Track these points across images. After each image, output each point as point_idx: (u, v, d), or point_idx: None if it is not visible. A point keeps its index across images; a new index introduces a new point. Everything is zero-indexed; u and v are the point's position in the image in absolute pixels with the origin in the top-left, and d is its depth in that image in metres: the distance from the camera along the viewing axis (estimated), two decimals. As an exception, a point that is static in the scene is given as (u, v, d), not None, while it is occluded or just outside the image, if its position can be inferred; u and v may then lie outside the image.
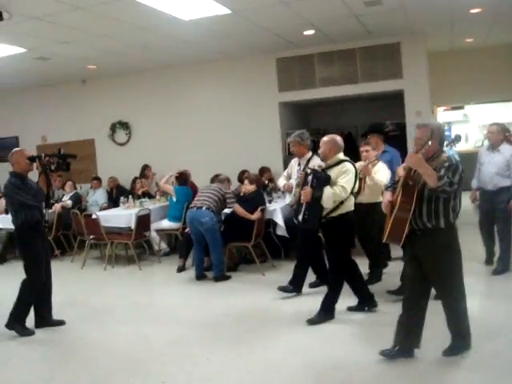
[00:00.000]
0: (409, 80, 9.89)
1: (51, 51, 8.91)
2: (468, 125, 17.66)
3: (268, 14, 7.66)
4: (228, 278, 7.31)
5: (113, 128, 12.07)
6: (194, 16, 7.38)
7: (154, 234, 8.96)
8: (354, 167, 5.26)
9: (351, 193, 5.22)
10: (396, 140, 10.86)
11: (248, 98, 10.86)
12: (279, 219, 7.80)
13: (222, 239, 7.36)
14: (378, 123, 11.09)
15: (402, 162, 6.94)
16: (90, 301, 6.86)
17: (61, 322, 5.78)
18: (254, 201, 7.56)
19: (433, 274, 4.13)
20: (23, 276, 5.74)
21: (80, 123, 12.32)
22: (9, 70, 10.23)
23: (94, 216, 8.78)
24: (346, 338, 4.94)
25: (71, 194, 10.22)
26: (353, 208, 5.35)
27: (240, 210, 7.42)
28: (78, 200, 10.21)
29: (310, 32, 8.99)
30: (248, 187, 7.93)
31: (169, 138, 11.44)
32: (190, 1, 6.67)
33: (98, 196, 10.61)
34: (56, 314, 5.89)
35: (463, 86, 12.03)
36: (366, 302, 5.54)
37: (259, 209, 7.43)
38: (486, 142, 6.98)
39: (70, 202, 9.91)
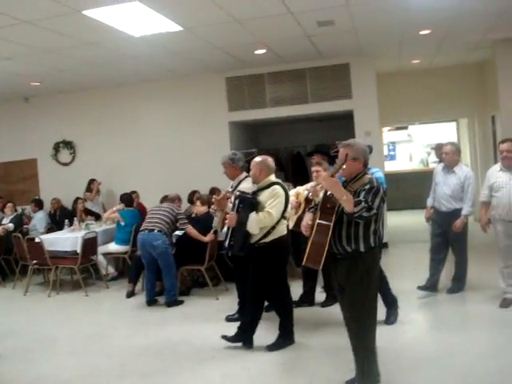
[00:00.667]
0: (358, 100, 9.96)
1: (-8, 67, 8.51)
2: (412, 144, 18.04)
3: (220, 32, 7.54)
4: (181, 302, 7.07)
5: (56, 147, 11.62)
6: (144, 32, 7.18)
7: (100, 258, 8.63)
8: (285, 190, 5.09)
9: (283, 217, 5.07)
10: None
11: (198, 117, 10.69)
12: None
13: (175, 263, 7.11)
14: (324, 144, 11.11)
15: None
16: (33, 330, 6.49)
17: None
18: (206, 222, 7.34)
19: (349, 303, 3.97)
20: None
21: (22, 142, 11.81)
22: None
23: (37, 240, 8.37)
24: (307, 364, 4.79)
25: (12, 217, 9.75)
26: (285, 232, 5.18)
27: (193, 232, 7.20)
28: (19, 223, 9.75)
29: (262, 51, 8.92)
30: (200, 208, 7.74)
31: (116, 158, 11.11)
32: (141, 17, 6.45)
33: (37, 221, 10.03)
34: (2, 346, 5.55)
35: (408, 106, 12.19)
36: (287, 337, 5.28)
37: (212, 231, 7.22)
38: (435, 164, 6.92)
39: (11, 225, 9.45)
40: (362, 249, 3.84)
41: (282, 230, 5.10)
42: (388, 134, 16.93)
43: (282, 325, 5.27)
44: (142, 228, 7.20)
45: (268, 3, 6.39)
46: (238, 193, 5.19)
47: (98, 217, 10.16)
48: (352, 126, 10.12)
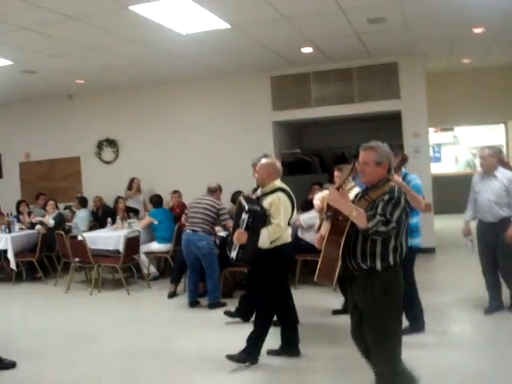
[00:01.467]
0: (406, 100, 9.70)
1: (39, 64, 8.53)
2: (458, 146, 17.59)
3: (267, 30, 7.41)
4: (223, 304, 6.91)
5: (99, 146, 11.65)
6: (191, 30, 7.08)
7: (143, 257, 8.55)
8: (290, 197, 4.87)
9: (288, 224, 4.90)
10: (392, 162, 10.65)
11: (241, 116, 10.56)
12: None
13: (219, 264, 6.99)
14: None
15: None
16: (75, 329, 6.47)
17: (10, 365, 5.15)
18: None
19: (367, 326, 3.54)
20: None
21: (65, 140, 11.90)
22: (-9, 83, 9.85)
23: (80, 238, 8.35)
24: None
25: (54, 215, 9.79)
26: (289, 240, 4.99)
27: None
28: (61, 220, 9.77)
29: (308, 50, 8.74)
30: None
31: (158, 157, 11.07)
32: (189, 14, 6.35)
33: (80, 219, 10.02)
34: (36, 343, 5.51)
35: (455, 107, 11.88)
36: (289, 349, 5.08)
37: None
38: (479, 168, 6.11)
39: (51, 222, 9.49)
40: (378, 267, 3.42)
41: (285, 238, 4.90)
42: (433, 136, 16.53)
43: (283, 336, 5.09)
44: (187, 228, 7.08)
45: (319, -1, 6.22)
46: (245, 206, 4.82)
47: (137, 213, 10.14)
48: (398, 126, 9.89)
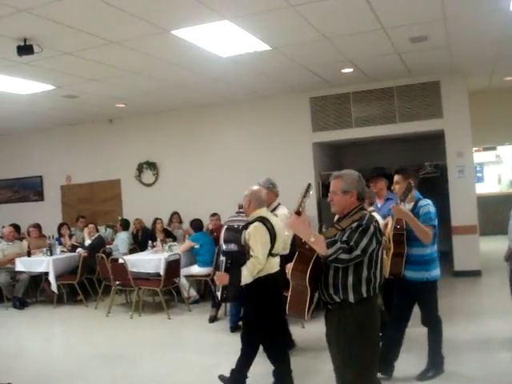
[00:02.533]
0: (449, 119, 9.50)
1: (80, 89, 8.65)
2: (501, 166, 17.18)
3: (308, 51, 7.36)
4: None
5: (140, 168, 11.73)
6: (231, 53, 7.08)
7: (183, 280, 8.50)
8: (268, 226, 4.68)
9: (271, 254, 4.71)
10: (435, 182, 10.44)
11: (281, 138, 10.49)
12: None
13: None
14: (381, 166, 10.67)
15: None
16: (116, 353, 6.44)
17: None
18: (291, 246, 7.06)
19: (340, 364, 3.36)
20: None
21: (106, 163, 12.04)
22: (35, 108, 10.03)
23: (120, 260, 8.36)
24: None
25: (94, 237, 9.85)
26: (275, 269, 4.80)
27: None
28: (100, 243, 9.81)
29: (349, 70, 8.65)
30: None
31: (198, 179, 11.08)
32: (230, 36, 6.35)
33: (120, 241, 10.07)
34: (77, 367, 5.50)
35: (498, 125, 11.58)
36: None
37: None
38: None
39: (88, 242, 9.79)
40: (351, 299, 3.26)
41: (268, 268, 4.71)
42: (475, 155, 16.18)
43: (275, 372, 4.92)
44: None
45: (362, 19, 6.14)
46: (222, 247, 4.80)
47: (175, 238, 10.12)
48: (440, 146, 9.71)
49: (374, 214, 5.18)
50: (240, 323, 6.95)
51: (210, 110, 11.03)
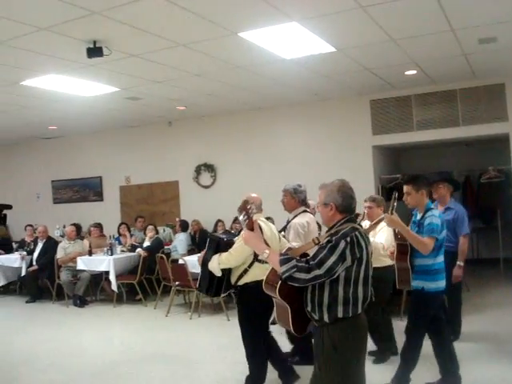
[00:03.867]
0: (515, 123, 9.20)
1: (143, 91, 8.77)
2: None
3: (373, 53, 7.26)
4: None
5: (198, 170, 11.83)
6: (296, 55, 7.05)
7: (242, 282, 8.49)
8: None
9: (257, 260, 4.63)
10: (499, 186, 10.17)
11: (339, 141, 10.39)
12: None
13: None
14: (446, 171, 10.41)
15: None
16: (177, 354, 6.45)
17: None
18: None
19: (317, 379, 3.22)
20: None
21: (164, 165, 12.20)
22: (97, 109, 10.23)
23: (181, 261, 8.42)
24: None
25: (152, 240, 9.96)
26: (264, 276, 4.71)
27: None
28: (159, 246, 9.90)
29: (412, 72, 8.50)
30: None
31: (255, 182, 11.04)
32: (296, 38, 6.32)
33: (178, 242, 10.17)
34: (138, 367, 5.60)
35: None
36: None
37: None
38: None
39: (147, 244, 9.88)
40: (326, 319, 3.09)
41: (257, 274, 4.57)
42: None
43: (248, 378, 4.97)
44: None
45: (431, 20, 6.01)
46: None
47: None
48: (504, 150, 9.41)
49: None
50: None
51: (268, 113, 11.03)
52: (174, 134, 12.08)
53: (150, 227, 10.26)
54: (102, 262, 9.33)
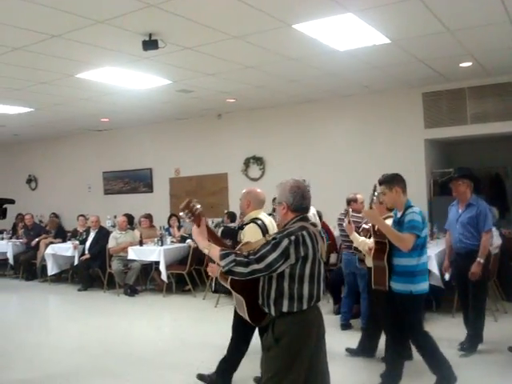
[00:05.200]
0: None
1: (195, 83, 8.83)
2: None
3: (428, 44, 7.12)
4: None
5: (246, 163, 11.86)
6: (349, 46, 6.98)
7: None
8: (261, 228, 4.62)
9: None
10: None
11: (390, 134, 10.24)
12: (434, 267, 7.04)
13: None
14: (466, 167, 10.07)
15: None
16: (226, 345, 6.45)
17: None
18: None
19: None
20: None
21: (213, 157, 12.28)
22: (148, 102, 10.35)
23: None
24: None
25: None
26: None
27: None
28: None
29: (467, 64, 8.30)
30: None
31: (304, 175, 10.89)
32: (351, 30, 6.25)
33: (227, 233, 10.25)
34: (189, 357, 5.72)
35: None
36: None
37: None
38: None
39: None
40: (272, 312, 3.24)
41: None
42: None
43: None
44: (345, 247, 6.93)
45: (490, 11, 5.87)
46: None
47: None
48: None
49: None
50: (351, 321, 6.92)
51: (317, 105, 10.95)
52: (224, 127, 12.13)
53: (246, 218, 10.30)
54: (153, 252, 9.48)
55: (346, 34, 6.45)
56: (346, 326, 6.83)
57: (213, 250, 3.22)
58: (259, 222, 4.72)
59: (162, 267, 9.30)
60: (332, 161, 10.81)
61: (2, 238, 12.77)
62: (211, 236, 3.41)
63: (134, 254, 9.67)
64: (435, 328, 5.98)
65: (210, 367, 5.30)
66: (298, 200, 3.33)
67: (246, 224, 4.79)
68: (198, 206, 3.35)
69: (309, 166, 11.01)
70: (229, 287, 3.38)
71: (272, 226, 4.84)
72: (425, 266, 4.62)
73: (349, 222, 5.51)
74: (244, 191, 5.01)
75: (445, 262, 6.40)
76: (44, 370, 5.82)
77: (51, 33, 6.05)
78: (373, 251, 4.83)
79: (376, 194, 4.70)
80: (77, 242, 10.74)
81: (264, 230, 4.69)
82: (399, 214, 4.69)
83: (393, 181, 4.76)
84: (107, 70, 7.77)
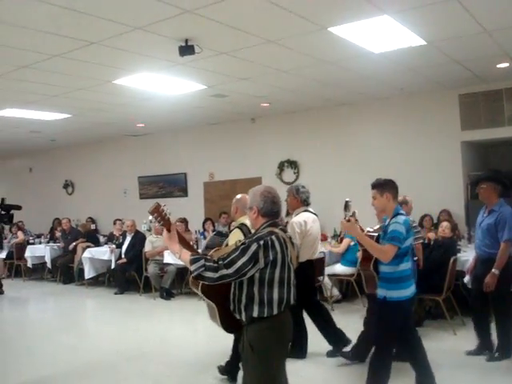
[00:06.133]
0: None
1: (229, 88, 8.88)
2: None
3: (465, 45, 7.06)
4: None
5: (281, 167, 11.86)
6: (384, 49, 6.95)
7: (326, 280, 8.46)
8: (244, 233, 4.59)
9: None
10: None
11: (426, 136, 10.12)
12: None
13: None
14: (494, 169, 9.85)
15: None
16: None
17: None
18: (447, 248, 6.82)
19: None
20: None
21: (247, 161, 12.31)
22: (183, 107, 10.47)
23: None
24: None
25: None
26: None
27: (420, 248, 6.50)
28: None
29: (504, 65, 8.19)
30: (446, 231, 7.11)
31: (338, 178, 10.96)
32: (386, 32, 6.23)
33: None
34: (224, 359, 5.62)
35: None
36: None
37: (452, 259, 6.67)
38: None
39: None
40: (243, 318, 3.29)
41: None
42: None
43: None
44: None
45: (528, 10, 5.79)
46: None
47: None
48: None
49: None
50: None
51: (351, 108, 10.91)
52: (257, 131, 12.16)
53: (234, 223, 10.36)
54: (187, 256, 9.52)
55: (382, 36, 6.42)
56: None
57: (183, 255, 3.29)
58: (244, 227, 4.79)
59: (196, 271, 9.32)
60: (366, 164, 10.71)
61: (40, 242, 13.04)
62: (181, 241, 3.44)
63: (169, 257, 9.73)
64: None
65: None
66: (269, 205, 3.42)
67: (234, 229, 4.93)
68: (168, 211, 3.45)
69: (344, 169, 10.97)
70: (200, 293, 3.40)
71: None
72: (405, 273, 4.45)
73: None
74: (235, 198, 5.21)
75: (470, 264, 6.32)
76: (81, 372, 5.93)
77: (90, 40, 6.17)
78: (360, 259, 4.95)
79: (349, 211, 4.59)
80: (113, 246, 10.89)
81: (247, 234, 4.71)
82: (388, 221, 4.62)
83: (385, 186, 4.65)
84: (144, 76, 7.88)
